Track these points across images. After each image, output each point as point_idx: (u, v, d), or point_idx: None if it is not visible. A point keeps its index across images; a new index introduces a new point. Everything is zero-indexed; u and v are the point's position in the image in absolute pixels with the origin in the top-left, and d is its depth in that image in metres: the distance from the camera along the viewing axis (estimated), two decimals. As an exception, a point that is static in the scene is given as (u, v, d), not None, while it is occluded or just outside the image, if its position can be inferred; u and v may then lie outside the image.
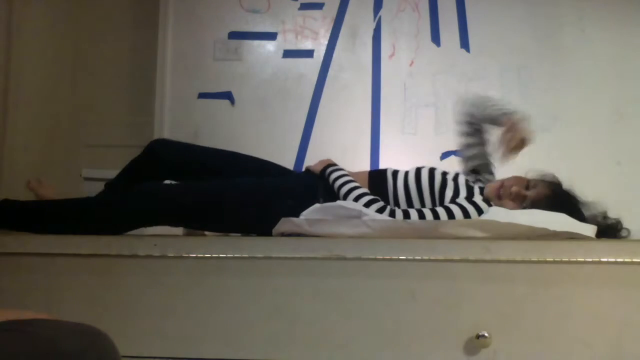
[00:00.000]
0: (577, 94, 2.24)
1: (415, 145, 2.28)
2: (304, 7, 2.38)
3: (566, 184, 1.57)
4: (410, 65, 2.33)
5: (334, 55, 2.35)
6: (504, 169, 1.64)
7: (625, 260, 1.17)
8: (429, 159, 2.19)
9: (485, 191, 1.53)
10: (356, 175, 1.59)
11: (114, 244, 1.26)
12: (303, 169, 1.76)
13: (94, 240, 1.27)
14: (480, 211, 1.44)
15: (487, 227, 1.29)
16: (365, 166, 2.24)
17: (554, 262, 1.17)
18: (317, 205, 1.43)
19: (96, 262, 1.24)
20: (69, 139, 2.42)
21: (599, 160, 2.18)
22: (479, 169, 1.69)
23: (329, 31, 2.37)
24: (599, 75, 2.24)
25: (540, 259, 1.18)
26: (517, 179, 1.54)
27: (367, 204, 1.43)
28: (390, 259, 1.19)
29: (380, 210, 1.42)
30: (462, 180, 1.54)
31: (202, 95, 2.35)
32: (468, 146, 1.73)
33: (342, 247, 1.21)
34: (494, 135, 1.64)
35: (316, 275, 1.21)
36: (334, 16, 2.37)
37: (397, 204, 1.52)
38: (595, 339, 1.16)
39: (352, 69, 2.35)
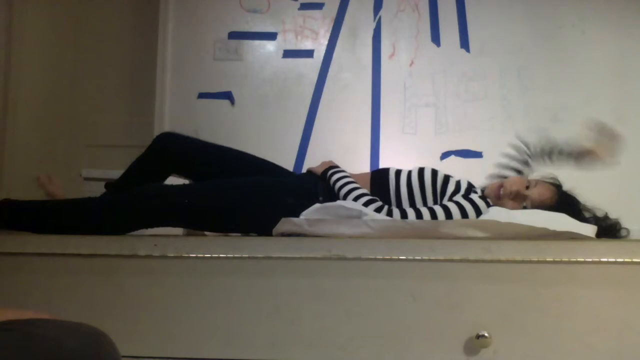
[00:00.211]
0: (577, 94, 2.24)
1: (415, 145, 2.28)
2: (304, 7, 2.38)
3: (566, 185, 1.57)
4: (410, 65, 2.33)
5: (334, 55, 2.36)
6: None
7: (625, 260, 1.17)
8: (429, 159, 2.19)
9: (486, 191, 1.53)
10: (359, 177, 1.59)
11: (114, 244, 1.26)
12: (304, 171, 1.76)
13: (94, 240, 1.27)
14: (478, 209, 1.44)
15: (487, 227, 1.29)
16: (365, 166, 2.24)
17: (554, 262, 1.17)
18: (317, 205, 1.43)
19: (96, 262, 1.24)
20: (69, 139, 2.43)
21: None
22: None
23: (329, 31, 2.37)
24: (599, 76, 2.24)
25: (540, 259, 1.18)
26: (517, 179, 1.54)
27: (366, 204, 1.43)
28: (390, 259, 1.19)
29: (379, 210, 1.42)
30: (464, 181, 1.54)
31: (202, 95, 2.35)
32: (504, 167, 1.76)
33: (342, 247, 1.21)
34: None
35: (316, 275, 1.21)
36: (334, 16, 2.37)
37: (399, 203, 1.52)
38: (595, 339, 1.16)
39: (352, 69, 2.35)
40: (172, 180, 1.74)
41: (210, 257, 1.23)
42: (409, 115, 2.31)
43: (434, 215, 1.42)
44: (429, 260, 1.19)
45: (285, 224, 1.33)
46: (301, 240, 1.28)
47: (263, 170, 1.69)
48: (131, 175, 1.68)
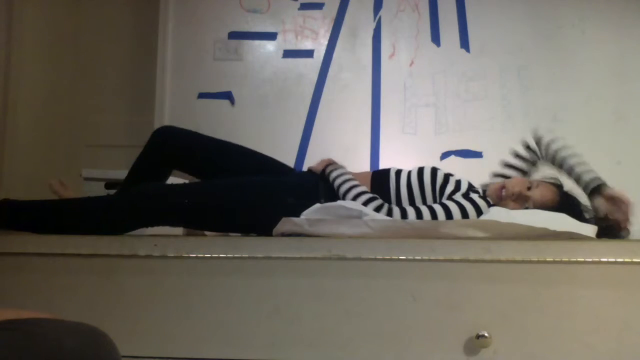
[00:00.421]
0: (577, 94, 2.24)
1: (415, 145, 2.28)
2: (304, 7, 2.38)
3: (567, 185, 1.57)
4: (410, 65, 2.33)
5: (334, 55, 2.36)
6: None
7: (625, 260, 1.17)
8: (429, 159, 2.19)
9: (487, 192, 1.53)
10: (359, 175, 1.59)
11: (114, 244, 1.26)
12: (304, 170, 1.76)
13: (94, 240, 1.27)
14: (478, 209, 1.44)
15: (487, 227, 1.29)
16: (365, 166, 2.24)
17: (554, 262, 1.17)
18: (317, 205, 1.43)
19: (96, 262, 1.24)
20: (69, 139, 2.43)
21: (599, 160, 2.17)
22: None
23: (329, 31, 2.37)
24: (599, 76, 2.24)
25: (540, 259, 1.18)
26: (519, 180, 1.54)
27: (365, 203, 1.43)
28: (390, 259, 1.19)
29: (378, 209, 1.42)
30: (464, 181, 1.54)
31: (202, 95, 2.35)
32: (509, 166, 1.73)
33: (342, 247, 1.21)
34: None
35: (316, 275, 1.21)
36: (334, 16, 2.37)
37: (399, 202, 1.52)
38: (596, 339, 1.16)
39: (352, 69, 2.35)
40: (172, 178, 1.74)
41: (210, 257, 1.23)
42: (409, 115, 2.31)
43: (434, 214, 1.42)
44: (429, 260, 1.19)
45: (286, 223, 1.33)
46: (301, 240, 1.28)
47: (264, 165, 1.69)
48: (133, 174, 1.68)
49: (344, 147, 2.26)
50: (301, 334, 1.19)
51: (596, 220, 1.48)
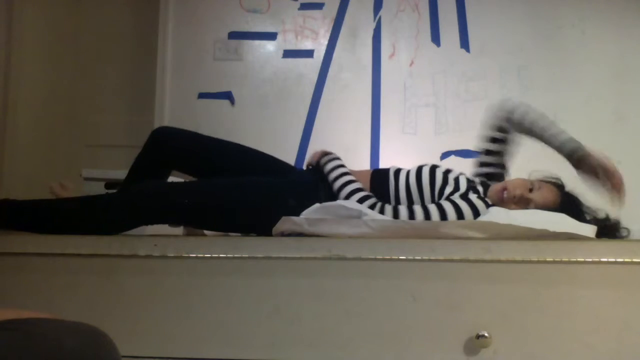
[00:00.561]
0: (577, 94, 2.24)
1: (415, 145, 2.28)
2: (304, 7, 2.38)
3: (569, 186, 1.56)
4: (410, 65, 2.33)
5: (334, 55, 2.36)
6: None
7: (625, 260, 1.17)
8: (429, 159, 2.18)
9: (489, 193, 1.52)
10: (359, 174, 1.58)
11: (114, 244, 1.26)
12: (304, 167, 1.76)
13: (94, 240, 1.27)
14: (475, 210, 1.43)
15: (486, 228, 1.29)
16: (365, 166, 2.24)
17: (554, 262, 1.17)
18: (317, 205, 1.43)
19: (96, 262, 1.24)
20: (69, 139, 2.43)
21: (599, 161, 2.18)
22: (491, 177, 1.66)
23: (329, 31, 2.37)
24: (599, 76, 2.24)
25: (540, 259, 1.18)
26: (520, 182, 1.52)
27: (360, 201, 1.44)
28: (390, 259, 1.19)
29: (372, 207, 1.42)
30: (463, 179, 1.54)
31: (202, 95, 2.35)
32: (488, 152, 1.69)
33: (342, 247, 1.21)
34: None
35: (316, 275, 1.21)
36: (334, 16, 2.37)
37: (398, 202, 1.52)
38: (595, 339, 1.16)
39: (352, 69, 2.35)
40: (172, 178, 1.74)
41: (210, 257, 1.23)
42: (409, 115, 2.31)
43: (427, 214, 1.41)
44: (429, 260, 1.19)
45: (285, 222, 1.33)
46: (301, 240, 1.28)
47: (264, 164, 1.68)
48: (132, 175, 1.68)
49: (344, 147, 2.25)
50: (301, 334, 1.19)
51: (597, 220, 1.48)
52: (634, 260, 1.17)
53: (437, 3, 2.34)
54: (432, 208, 1.43)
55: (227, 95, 2.35)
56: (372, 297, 1.19)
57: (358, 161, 2.23)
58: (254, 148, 1.74)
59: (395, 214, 1.42)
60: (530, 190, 1.49)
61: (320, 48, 2.36)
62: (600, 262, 1.17)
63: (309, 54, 2.36)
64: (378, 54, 2.35)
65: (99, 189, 1.79)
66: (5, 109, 2.02)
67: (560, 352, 1.16)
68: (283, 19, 2.39)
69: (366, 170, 1.65)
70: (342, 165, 1.56)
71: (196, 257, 1.23)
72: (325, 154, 1.62)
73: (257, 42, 2.38)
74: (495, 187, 1.54)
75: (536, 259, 1.18)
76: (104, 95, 2.51)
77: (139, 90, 2.44)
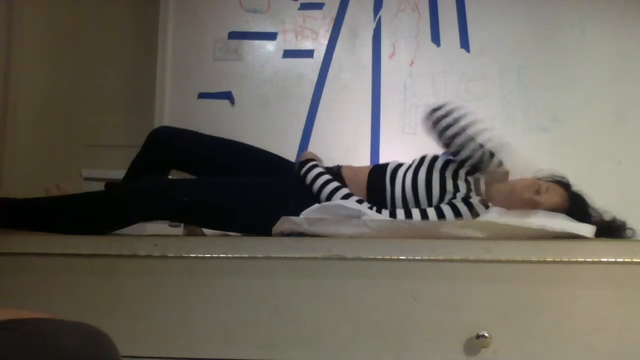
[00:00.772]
0: (577, 94, 2.24)
1: (415, 145, 2.27)
2: (304, 7, 2.38)
3: (575, 185, 1.54)
4: (410, 65, 2.33)
5: (334, 55, 2.35)
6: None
7: (625, 260, 1.17)
8: (429, 159, 2.19)
9: (494, 196, 1.49)
10: (358, 170, 1.58)
11: (114, 244, 1.25)
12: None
13: (94, 240, 1.27)
14: (475, 213, 1.43)
15: (485, 227, 1.29)
16: (365, 166, 2.24)
17: (554, 262, 1.17)
18: (316, 205, 1.43)
19: (96, 262, 1.24)
20: (69, 139, 2.43)
21: (599, 160, 2.18)
22: (477, 167, 1.56)
23: (329, 31, 2.37)
24: (599, 76, 2.24)
25: (540, 259, 1.18)
26: (527, 184, 1.47)
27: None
28: (390, 259, 1.19)
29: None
30: (461, 182, 1.52)
31: (202, 95, 2.35)
32: (455, 153, 1.53)
33: (342, 247, 1.20)
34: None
35: (316, 275, 1.21)
36: (334, 16, 2.37)
37: (393, 205, 1.51)
38: (595, 339, 1.16)
39: (352, 69, 2.35)
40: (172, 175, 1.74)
41: (210, 257, 1.23)
42: (409, 115, 2.31)
43: (425, 217, 1.41)
44: (429, 260, 1.19)
45: (285, 222, 1.33)
46: (301, 240, 1.28)
47: (264, 161, 1.68)
48: (131, 176, 1.67)
49: (344, 147, 2.26)
50: (301, 334, 1.19)
51: (604, 222, 1.46)
52: (634, 260, 1.17)
53: (437, 3, 2.34)
54: (431, 212, 1.42)
55: (227, 95, 2.35)
56: (372, 297, 1.19)
57: (358, 161, 2.22)
58: (253, 145, 1.73)
59: (393, 217, 1.42)
60: (537, 191, 1.45)
61: (320, 48, 2.36)
62: (600, 262, 1.17)
63: (309, 54, 2.36)
64: (378, 54, 2.35)
65: (98, 189, 1.79)
66: (5, 109, 2.02)
67: (560, 352, 1.16)
68: (283, 19, 2.38)
69: (365, 167, 1.64)
70: (323, 173, 1.53)
71: (196, 257, 1.23)
72: (306, 160, 1.59)
73: (257, 42, 2.38)
74: (501, 190, 1.50)
75: (536, 259, 1.18)
76: (104, 95, 2.51)
77: (139, 90, 2.44)
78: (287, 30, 2.38)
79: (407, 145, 2.28)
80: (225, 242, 1.30)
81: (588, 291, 1.17)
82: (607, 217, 1.48)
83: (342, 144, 2.27)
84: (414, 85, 2.32)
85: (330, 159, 1.74)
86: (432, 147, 2.24)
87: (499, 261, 1.18)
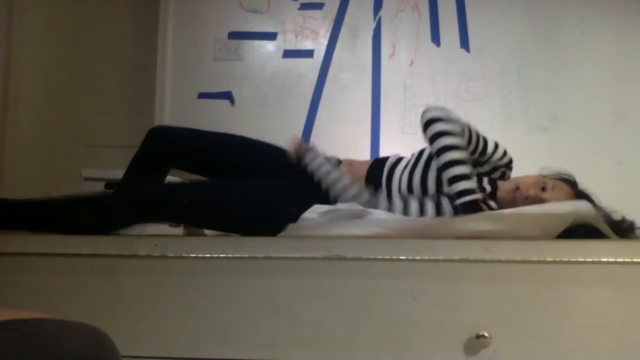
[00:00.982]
0: (577, 94, 2.24)
1: (415, 145, 2.26)
2: (304, 7, 2.38)
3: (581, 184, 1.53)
4: (410, 65, 2.33)
5: (334, 55, 2.36)
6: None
7: (625, 260, 1.17)
8: (429, 159, 2.19)
9: (499, 193, 1.46)
10: (358, 164, 1.57)
11: (114, 244, 1.25)
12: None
13: (94, 240, 1.27)
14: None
15: (498, 218, 1.28)
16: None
17: (554, 262, 1.17)
18: (316, 205, 1.42)
19: (96, 262, 1.24)
20: (69, 139, 2.43)
21: (599, 160, 2.18)
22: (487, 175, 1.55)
23: (329, 31, 2.37)
24: (599, 76, 2.24)
25: (540, 259, 1.17)
26: (533, 181, 1.45)
27: (345, 188, 1.45)
28: (390, 259, 1.19)
29: (359, 196, 1.43)
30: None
31: (202, 95, 2.35)
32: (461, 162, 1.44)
33: (342, 247, 1.20)
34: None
35: (316, 275, 1.21)
36: (334, 16, 2.37)
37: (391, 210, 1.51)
38: (595, 339, 1.16)
39: (352, 69, 2.35)
40: (170, 177, 1.74)
41: (210, 257, 1.23)
42: (409, 115, 2.31)
43: (425, 211, 1.40)
44: (429, 260, 1.19)
45: (296, 230, 1.33)
46: (301, 240, 1.28)
47: (265, 155, 1.67)
48: (130, 175, 1.67)
49: (344, 147, 2.25)
50: (301, 334, 1.19)
51: (613, 221, 1.44)
52: (634, 260, 1.17)
53: (437, 3, 2.34)
54: (430, 206, 1.41)
55: (227, 95, 2.35)
56: (372, 297, 1.19)
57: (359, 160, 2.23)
58: (253, 138, 1.72)
59: (391, 208, 1.41)
60: (543, 189, 1.44)
61: (320, 48, 2.36)
62: (600, 262, 1.17)
63: (309, 54, 2.36)
64: (378, 54, 2.35)
65: (98, 189, 1.79)
66: (5, 109, 2.02)
67: (560, 352, 1.16)
68: (283, 19, 2.38)
69: (365, 161, 1.63)
70: (325, 164, 1.55)
71: (196, 257, 1.23)
72: (300, 147, 1.61)
73: (257, 42, 2.38)
74: (506, 186, 1.48)
75: (536, 259, 1.17)
76: (104, 95, 2.51)
77: (139, 90, 2.44)
78: (287, 30, 2.38)
79: (407, 145, 2.27)
80: (225, 242, 1.30)
81: (588, 291, 1.17)
82: (615, 217, 1.46)
83: (342, 144, 2.27)
84: (414, 85, 2.32)
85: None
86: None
87: (499, 261, 1.18)
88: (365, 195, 1.46)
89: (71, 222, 1.41)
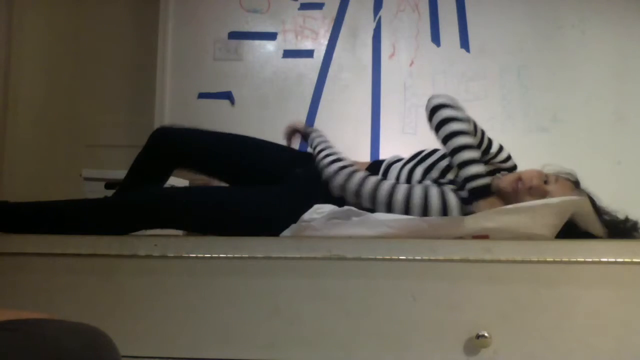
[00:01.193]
0: (577, 94, 2.24)
1: (415, 145, 2.27)
2: (304, 7, 2.38)
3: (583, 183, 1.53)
4: (410, 65, 2.33)
5: (334, 55, 2.36)
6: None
7: (625, 260, 1.17)
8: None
9: (501, 185, 1.43)
10: (357, 164, 1.58)
11: (114, 244, 1.25)
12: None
13: (94, 240, 1.27)
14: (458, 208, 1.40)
15: (500, 213, 1.27)
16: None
17: (554, 262, 1.17)
18: (316, 206, 1.42)
19: (96, 262, 1.24)
20: (69, 139, 2.43)
21: (599, 160, 2.18)
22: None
23: (329, 31, 2.37)
24: (599, 76, 2.24)
25: (540, 259, 1.17)
26: (535, 173, 1.43)
27: (334, 162, 1.50)
28: (390, 259, 1.19)
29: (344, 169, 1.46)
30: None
31: (202, 95, 2.35)
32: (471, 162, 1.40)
33: (342, 247, 1.20)
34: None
35: (316, 275, 1.21)
36: (334, 16, 2.37)
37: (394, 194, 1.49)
38: (596, 339, 1.16)
39: (352, 69, 2.35)
40: (172, 178, 1.74)
41: (210, 257, 1.23)
42: (409, 115, 2.31)
43: (429, 196, 1.40)
44: (429, 260, 1.19)
45: (306, 229, 1.33)
46: (301, 240, 1.28)
47: (268, 154, 1.67)
48: (133, 176, 1.67)
49: (344, 147, 2.25)
50: (301, 334, 1.19)
51: (616, 222, 1.44)
52: (634, 260, 1.17)
53: (437, 3, 2.34)
54: (434, 192, 1.40)
55: (227, 95, 2.35)
56: (372, 297, 1.19)
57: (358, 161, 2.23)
58: (256, 138, 1.72)
59: (376, 186, 1.41)
60: (545, 182, 1.41)
61: (320, 48, 2.36)
62: (600, 262, 1.17)
63: (309, 54, 2.36)
64: (378, 54, 2.35)
65: (99, 189, 1.79)
66: (5, 109, 2.02)
67: (560, 352, 1.16)
68: (283, 19, 2.38)
69: (364, 162, 1.63)
70: (324, 142, 1.60)
71: (196, 257, 1.23)
72: (299, 129, 1.64)
73: (257, 42, 2.38)
74: (507, 177, 1.46)
75: (536, 259, 1.17)
76: (104, 95, 2.51)
77: (139, 90, 2.44)
78: (287, 30, 2.38)
79: (407, 145, 2.28)
80: (225, 242, 1.30)
81: (588, 291, 1.17)
82: (620, 218, 1.45)
83: (342, 144, 2.25)
84: (414, 85, 2.32)
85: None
86: (431, 147, 2.25)
87: (499, 261, 1.18)
88: (372, 177, 1.45)
89: (73, 228, 1.40)
